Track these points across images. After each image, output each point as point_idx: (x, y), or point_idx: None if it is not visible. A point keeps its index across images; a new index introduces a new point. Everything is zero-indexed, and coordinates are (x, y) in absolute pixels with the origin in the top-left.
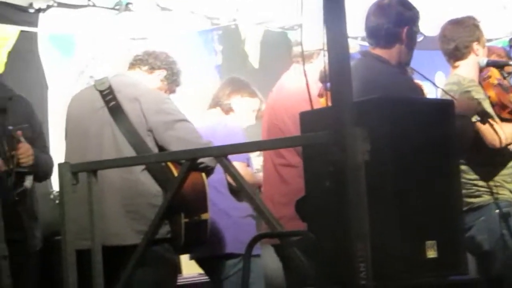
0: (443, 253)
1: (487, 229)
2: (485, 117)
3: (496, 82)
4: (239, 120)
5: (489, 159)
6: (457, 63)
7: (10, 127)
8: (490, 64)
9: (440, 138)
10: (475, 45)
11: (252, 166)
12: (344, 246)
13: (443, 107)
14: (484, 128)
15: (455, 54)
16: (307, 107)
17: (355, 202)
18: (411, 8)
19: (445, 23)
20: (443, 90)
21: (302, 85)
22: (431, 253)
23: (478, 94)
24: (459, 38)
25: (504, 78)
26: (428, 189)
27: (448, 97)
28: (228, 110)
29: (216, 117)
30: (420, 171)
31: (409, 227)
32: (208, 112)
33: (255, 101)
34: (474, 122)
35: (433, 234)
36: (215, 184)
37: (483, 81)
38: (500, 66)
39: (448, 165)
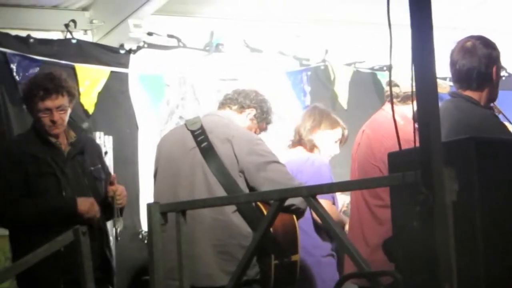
0: None
1: None
2: None
3: None
4: (324, 155)
5: None
6: None
7: (92, 168)
8: None
9: None
10: None
11: (337, 204)
12: (431, 287)
13: None
14: None
15: None
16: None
17: (443, 243)
18: (494, 47)
19: None
20: None
21: (400, 125)
22: None
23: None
24: None
25: None
26: None
27: None
28: (312, 147)
29: (301, 155)
30: (508, 211)
31: (496, 269)
32: (292, 151)
33: (337, 131)
34: None
35: None
36: (299, 222)
37: None
38: None
39: None
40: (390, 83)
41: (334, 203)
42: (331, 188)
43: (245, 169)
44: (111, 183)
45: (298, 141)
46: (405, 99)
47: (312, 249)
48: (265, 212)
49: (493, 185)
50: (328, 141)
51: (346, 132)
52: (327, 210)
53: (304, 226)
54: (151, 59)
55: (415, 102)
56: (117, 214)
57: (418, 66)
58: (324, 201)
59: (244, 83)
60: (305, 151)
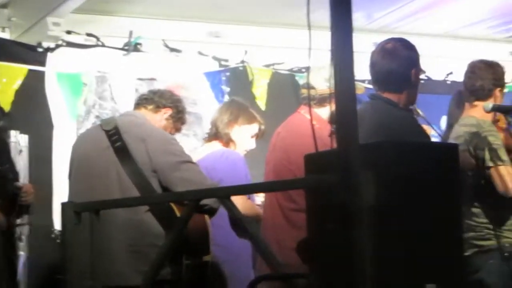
0: None
1: (495, 273)
2: None
3: (505, 126)
4: (240, 149)
5: (500, 204)
6: (476, 103)
7: None
8: (495, 108)
9: (445, 182)
10: (497, 91)
11: (253, 198)
12: None
13: (449, 151)
14: (496, 176)
15: (477, 93)
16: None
17: (359, 245)
18: (414, 48)
19: (476, 61)
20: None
21: (315, 128)
22: None
23: (497, 140)
24: (487, 78)
25: (509, 123)
26: (431, 232)
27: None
28: (228, 141)
29: (216, 150)
30: (424, 214)
31: (411, 270)
32: (207, 145)
33: (254, 126)
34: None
35: (435, 277)
36: (215, 219)
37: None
38: (505, 111)
39: (452, 209)
40: (308, 85)
41: (249, 198)
42: (247, 190)
43: (158, 169)
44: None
45: (215, 135)
46: (321, 101)
47: (229, 246)
48: (177, 212)
49: (411, 188)
50: (244, 135)
51: (262, 127)
52: (242, 207)
53: (222, 223)
54: (70, 57)
55: (332, 104)
56: (24, 212)
57: (337, 68)
58: (239, 196)
59: (163, 83)
60: (220, 145)
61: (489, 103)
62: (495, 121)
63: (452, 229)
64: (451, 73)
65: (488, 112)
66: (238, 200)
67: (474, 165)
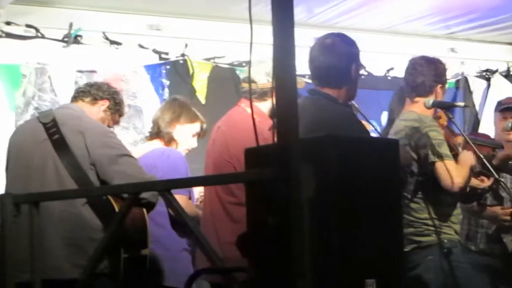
0: None
1: (433, 269)
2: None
3: (445, 123)
4: (181, 148)
5: (440, 199)
6: (417, 99)
7: None
8: (435, 105)
9: (384, 177)
10: (439, 88)
11: (194, 198)
12: (285, 283)
13: (389, 146)
14: (441, 171)
15: (418, 89)
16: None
17: (298, 239)
18: (354, 44)
19: (417, 57)
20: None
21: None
22: None
23: (439, 135)
24: (428, 74)
25: (450, 120)
26: (370, 227)
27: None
28: (169, 140)
29: (156, 149)
30: (363, 209)
31: (350, 265)
32: (149, 143)
33: (196, 126)
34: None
35: (374, 272)
36: (155, 217)
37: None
38: (445, 108)
39: (391, 204)
40: (250, 79)
41: (190, 198)
42: (187, 183)
43: (96, 162)
44: None
45: (156, 134)
46: (262, 95)
47: (168, 243)
48: (115, 205)
49: (350, 183)
50: (186, 135)
51: (205, 126)
52: (184, 206)
53: (160, 220)
54: (9, 49)
55: (273, 98)
56: None
57: (278, 62)
58: (179, 196)
59: (103, 76)
60: (161, 144)
61: (430, 99)
62: (436, 118)
63: (391, 224)
64: (391, 68)
65: (429, 108)
66: (179, 200)
67: (415, 160)
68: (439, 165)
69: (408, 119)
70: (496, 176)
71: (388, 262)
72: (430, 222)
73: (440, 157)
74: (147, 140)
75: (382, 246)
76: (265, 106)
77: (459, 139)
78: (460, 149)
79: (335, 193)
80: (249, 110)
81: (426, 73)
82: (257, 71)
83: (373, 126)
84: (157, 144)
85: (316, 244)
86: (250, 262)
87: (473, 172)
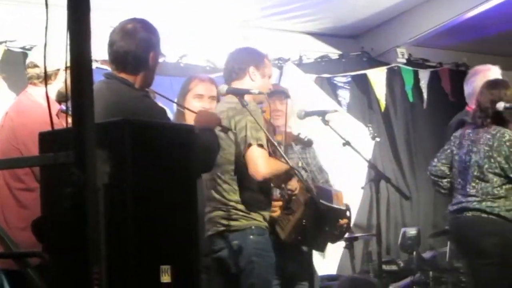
0: (178, 277)
1: (239, 253)
2: (225, 129)
3: (269, 117)
4: None
5: (251, 184)
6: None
7: None
8: (229, 91)
9: (181, 161)
10: (251, 69)
11: None
12: (80, 268)
13: (185, 131)
14: (249, 159)
15: (230, 76)
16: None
17: (93, 224)
18: (154, 31)
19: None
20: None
21: (43, 107)
22: (165, 278)
23: (259, 120)
24: (238, 59)
25: (243, 105)
26: (167, 213)
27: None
28: None
29: None
30: (160, 194)
31: (146, 250)
32: None
33: None
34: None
35: (169, 257)
36: None
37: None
38: (239, 95)
39: (188, 189)
40: (45, 63)
41: None
42: None
43: None
44: None
45: None
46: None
47: None
48: None
49: (146, 168)
50: None
51: None
52: None
53: None
54: None
55: (57, 82)
56: None
57: (73, 47)
58: None
59: None
60: None
61: (224, 86)
62: (263, 111)
63: (187, 211)
64: (185, 55)
65: (222, 94)
66: None
67: (233, 141)
68: (250, 150)
69: (231, 102)
70: (290, 164)
71: (183, 248)
72: (239, 207)
73: (255, 141)
74: None
75: (178, 232)
76: (51, 90)
77: (280, 138)
78: (282, 147)
79: (130, 177)
80: (35, 96)
81: (235, 59)
82: (41, 55)
83: (171, 112)
84: None
85: (112, 230)
86: (45, 247)
87: (288, 175)
